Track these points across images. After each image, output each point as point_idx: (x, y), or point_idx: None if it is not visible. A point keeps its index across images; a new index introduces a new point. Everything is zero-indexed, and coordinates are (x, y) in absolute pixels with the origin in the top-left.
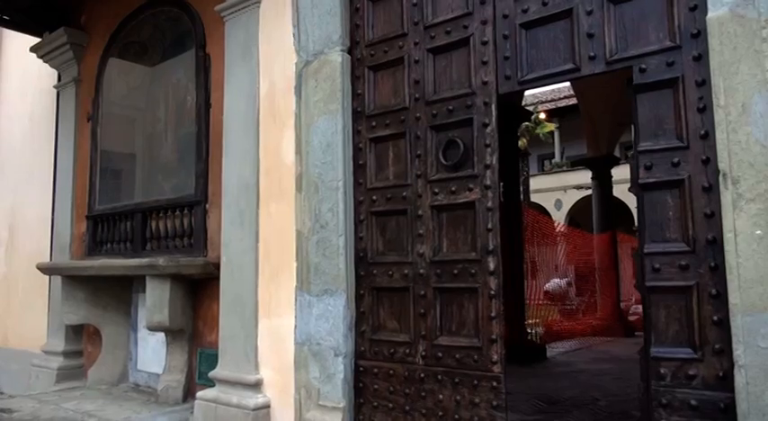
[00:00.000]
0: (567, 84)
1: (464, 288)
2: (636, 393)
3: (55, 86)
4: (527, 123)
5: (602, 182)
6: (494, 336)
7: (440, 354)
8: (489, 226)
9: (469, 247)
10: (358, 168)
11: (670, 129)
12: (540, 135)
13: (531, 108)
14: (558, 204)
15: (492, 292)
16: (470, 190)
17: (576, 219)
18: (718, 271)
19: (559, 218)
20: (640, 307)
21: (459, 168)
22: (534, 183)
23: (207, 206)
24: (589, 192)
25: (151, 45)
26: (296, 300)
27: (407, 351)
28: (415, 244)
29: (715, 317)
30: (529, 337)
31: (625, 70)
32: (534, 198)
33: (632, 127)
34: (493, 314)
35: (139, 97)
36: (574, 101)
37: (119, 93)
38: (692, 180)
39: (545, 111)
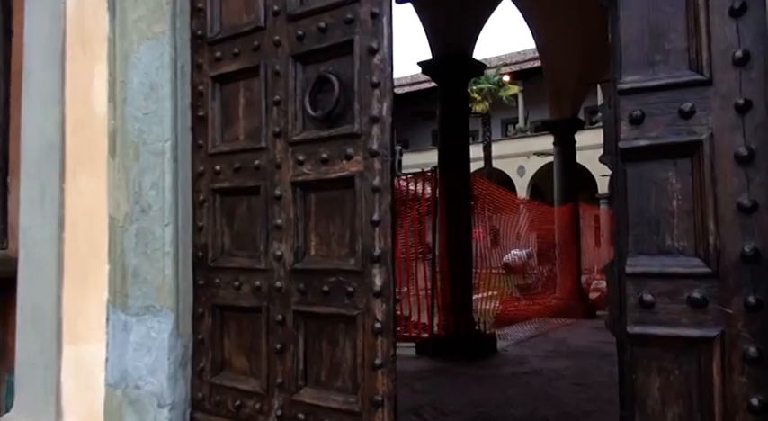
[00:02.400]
0: (533, 45)
1: (337, 315)
2: (596, 412)
3: None
4: (490, 85)
5: (565, 147)
6: (379, 397)
7: (302, 417)
8: (375, 217)
9: (347, 250)
10: (198, 123)
11: (677, 49)
12: (504, 98)
13: (493, 70)
14: (521, 171)
15: (378, 325)
16: (348, 158)
17: (538, 186)
18: (763, 313)
19: (522, 184)
20: (603, 282)
21: (334, 123)
22: (497, 148)
23: (8, 177)
24: (551, 158)
25: None
26: (108, 319)
27: (259, 406)
28: (270, 241)
29: (755, 401)
30: (477, 327)
31: None
32: (497, 164)
33: (610, 54)
34: (378, 361)
35: None
36: (538, 63)
37: None
38: (717, 142)
39: (509, 74)
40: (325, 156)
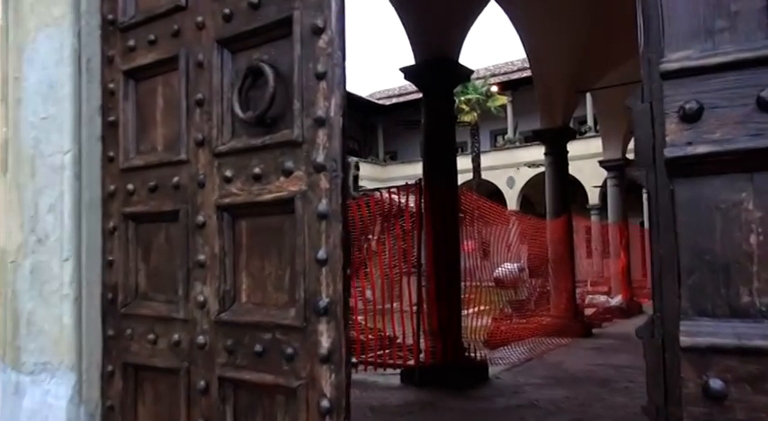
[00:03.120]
0: (522, 55)
1: (273, 385)
2: None
3: None
4: (478, 96)
5: (557, 158)
6: None
7: None
8: (321, 254)
9: (286, 297)
10: (109, 130)
11: (750, 8)
12: (492, 108)
13: (481, 81)
14: (511, 182)
15: (326, 403)
16: (287, 173)
17: (528, 197)
18: None
19: (512, 196)
20: (598, 297)
21: (270, 128)
22: (486, 159)
23: None
24: (542, 169)
25: None
26: None
27: None
28: (191, 282)
29: None
30: (467, 352)
31: None
32: (486, 175)
33: (636, 22)
34: None
35: None
36: (527, 73)
37: None
38: None
39: (497, 84)
40: (257, 171)
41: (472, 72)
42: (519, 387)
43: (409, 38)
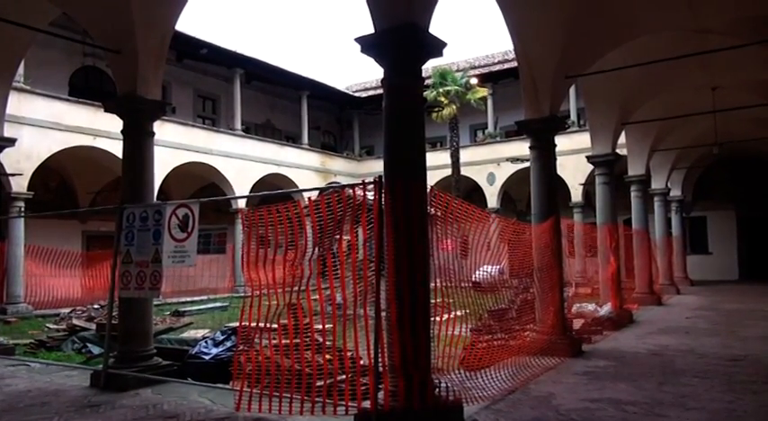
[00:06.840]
0: (503, 48)
1: None
2: None
3: None
4: (457, 87)
5: (544, 152)
6: None
7: None
8: None
9: None
10: None
11: None
12: (473, 101)
13: (460, 73)
14: (491, 178)
15: None
16: None
17: (510, 193)
18: None
19: (493, 192)
20: (586, 306)
21: None
22: (465, 155)
23: None
24: (525, 165)
25: None
26: None
27: None
28: None
29: None
30: (437, 391)
31: None
32: (465, 171)
33: None
34: None
35: None
36: (508, 65)
37: None
38: None
39: (477, 76)
40: None
41: (445, 44)
42: None
43: (367, 0)
